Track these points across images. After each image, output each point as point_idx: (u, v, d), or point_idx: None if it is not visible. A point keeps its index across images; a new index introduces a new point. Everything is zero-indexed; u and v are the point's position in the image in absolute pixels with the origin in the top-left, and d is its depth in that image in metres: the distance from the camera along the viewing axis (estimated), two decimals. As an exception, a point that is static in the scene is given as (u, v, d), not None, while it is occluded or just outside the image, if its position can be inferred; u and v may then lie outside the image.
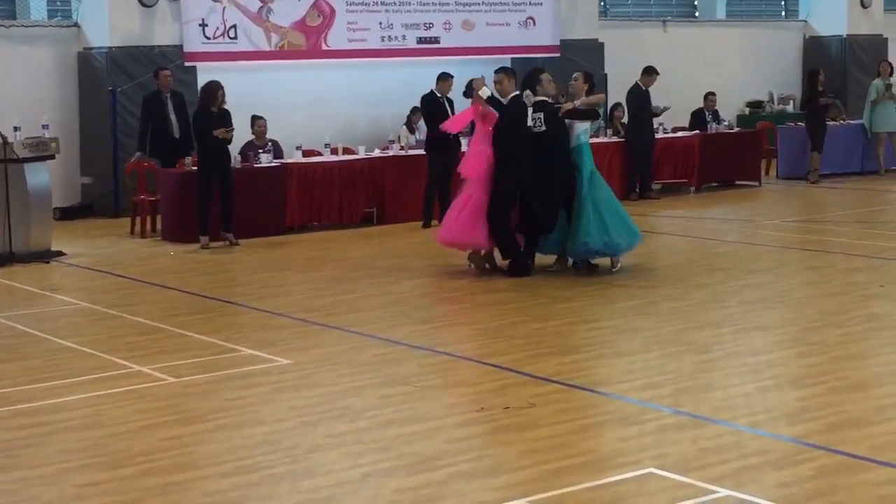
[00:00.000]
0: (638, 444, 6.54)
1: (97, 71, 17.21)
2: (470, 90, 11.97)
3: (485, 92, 11.69)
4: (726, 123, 20.01)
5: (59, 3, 18.31)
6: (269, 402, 7.62)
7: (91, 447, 6.77)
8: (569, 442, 6.60)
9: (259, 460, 6.43)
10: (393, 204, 16.05)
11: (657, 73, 18.02)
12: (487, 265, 11.89)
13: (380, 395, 7.66)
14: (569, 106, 11.82)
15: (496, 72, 11.99)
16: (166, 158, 15.37)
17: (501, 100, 11.73)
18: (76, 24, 17.55)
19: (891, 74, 20.60)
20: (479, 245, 11.73)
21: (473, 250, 11.83)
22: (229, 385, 8.02)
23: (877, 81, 20.64)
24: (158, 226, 15.20)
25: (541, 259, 11.95)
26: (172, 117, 15.66)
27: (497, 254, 11.88)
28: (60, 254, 13.66)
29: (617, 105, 18.93)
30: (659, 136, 18.40)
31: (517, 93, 11.76)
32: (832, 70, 23.28)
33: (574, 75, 12.41)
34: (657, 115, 17.87)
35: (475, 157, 11.81)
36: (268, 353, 8.83)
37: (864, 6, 24.69)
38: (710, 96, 19.60)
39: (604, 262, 11.94)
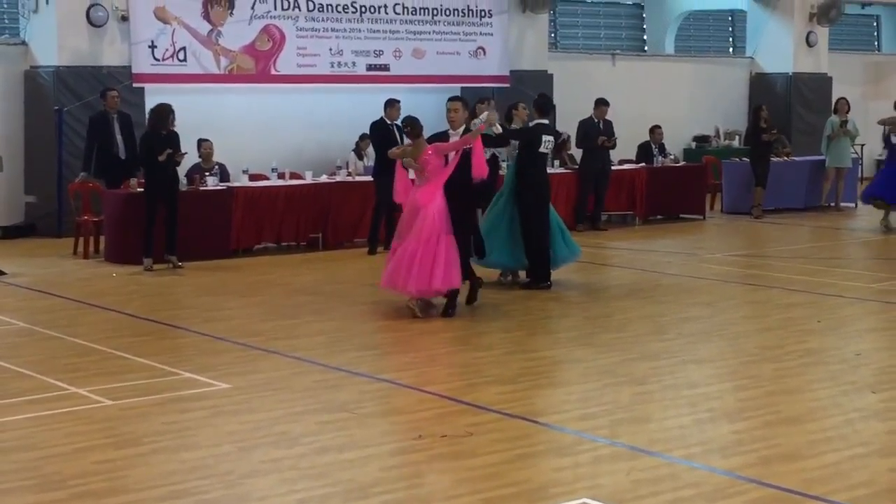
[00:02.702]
0: (573, 475, 6.56)
1: (44, 90, 17.11)
2: (412, 127, 11.35)
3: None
4: (672, 157, 20.22)
5: (6, 21, 18.20)
6: (206, 427, 7.58)
7: (23, 469, 6.69)
8: (504, 471, 6.62)
9: (193, 485, 6.39)
10: (339, 230, 16.06)
11: (607, 105, 18.32)
12: (420, 305, 11.28)
13: (317, 422, 7.65)
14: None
15: (452, 99, 11.78)
16: (111, 179, 15.28)
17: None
18: (24, 43, 17.45)
19: (847, 112, 20.79)
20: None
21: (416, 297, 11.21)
22: (166, 409, 7.97)
23: (833, 118, 20.79)
24: (102, 247, 15.10)
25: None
26: (118, 138, 15.57)
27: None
28: (1, 273, 13.54)
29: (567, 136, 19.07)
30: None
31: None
32: (777, 107, 23.57)
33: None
34: (600, 146, 18.01)
35: (430, 188, 11.20)
36: (207, 377, 8.79)
37: (809, 45, 25.04)
38: (656, 129, 19.78)
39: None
